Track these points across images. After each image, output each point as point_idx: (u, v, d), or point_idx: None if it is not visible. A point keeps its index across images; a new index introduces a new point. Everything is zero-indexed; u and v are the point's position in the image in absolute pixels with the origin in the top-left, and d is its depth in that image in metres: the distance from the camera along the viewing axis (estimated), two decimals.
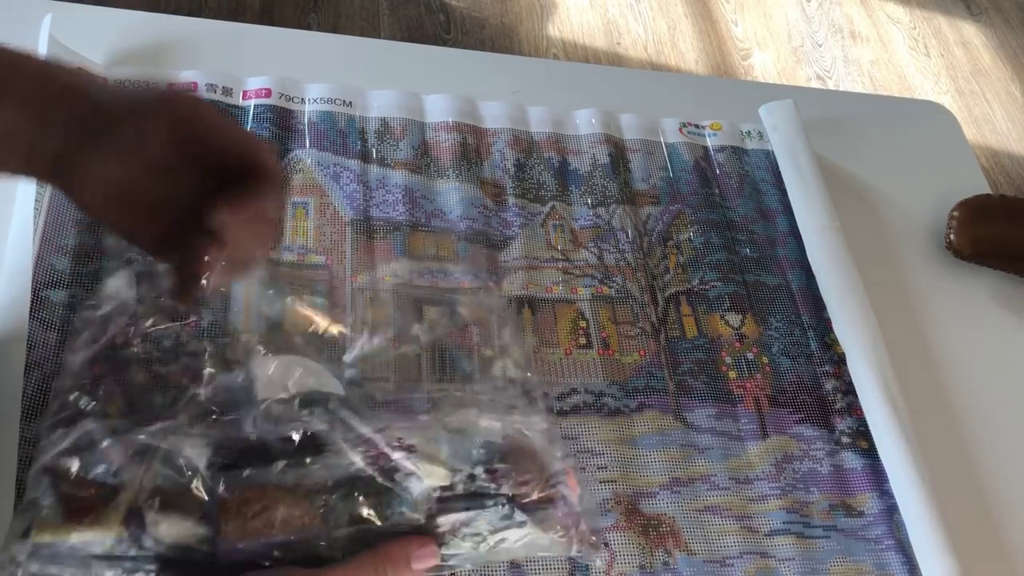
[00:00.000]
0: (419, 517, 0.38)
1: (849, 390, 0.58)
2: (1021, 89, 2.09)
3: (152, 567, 0.37)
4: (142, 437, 0.38)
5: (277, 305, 0.52)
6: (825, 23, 2.11)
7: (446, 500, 0.38)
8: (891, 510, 0.54)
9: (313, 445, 0.38)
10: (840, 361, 0.59)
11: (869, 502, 0.54)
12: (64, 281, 0.50)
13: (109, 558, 0.36)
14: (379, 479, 0.37)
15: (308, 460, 0.38)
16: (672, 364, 0.57)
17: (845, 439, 0.56)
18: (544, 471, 0.40)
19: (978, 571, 0.52)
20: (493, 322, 0.54)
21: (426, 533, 0.38)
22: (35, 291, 0.48)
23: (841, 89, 1.94)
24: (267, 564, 0.37)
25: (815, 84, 1.95)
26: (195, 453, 0.38)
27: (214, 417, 0.40)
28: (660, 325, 0.59)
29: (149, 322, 0.47)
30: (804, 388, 0.58)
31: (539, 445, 0.41)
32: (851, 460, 0.55)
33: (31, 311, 0.48)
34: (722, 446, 0.54)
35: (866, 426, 0.56)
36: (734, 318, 0.60)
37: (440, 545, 0.39)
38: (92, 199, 0.39)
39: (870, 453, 0.56)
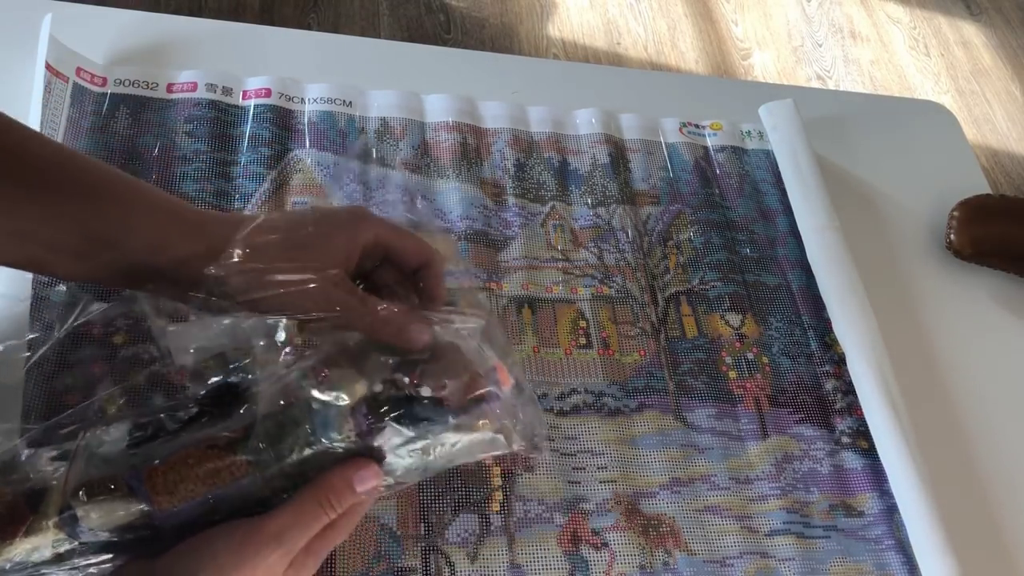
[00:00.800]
0: (349, 436, 0.37)
1: (849, 390, 0.58)
2: (1021, 89, 2.09)
3: (103, 556, 0.36)
4: (61, 440, 0.37)
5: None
6: (825, 23, 2.11)
7: (373, 414, 0.37)
8: (891, 510, 0.54)
9: (224, 398, 0.38)
10: (840, 361, 0.59)
11: (869, 502, 0.54)
12: (64, 281, 0.50)
13: (58, 560, 0.36)
14: (292, 412, 0.37)
15: (218, 414, 0.37)
16: (672, 364, 0.57)
17: (845, 439, 0.56)
18: (470, 368, 0.39)
19: (978, 571, 0.52)
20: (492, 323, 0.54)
21: (362, 455, 0.38)
22: (35, 291, 0.48)
23: (841, 89, 1.94)
24: (214, 520, 0.36)
25: (815, 84, 1.95)
26: (115, 438, 0.37)
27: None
28: (660, 325, 0.59)
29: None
30: (804, 388, 0.58)
31: (467, 346, 0.41)
32: (851, 460, 0.55)
33: (31, 311, 0.48)
34: (722, 446, 0.54)
35: (866, 426, 0.56)
36: (734, 318, 0.60)
37: (380, 462, 0.38)
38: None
39: (870, 453, 0.56)
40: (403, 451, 0.38)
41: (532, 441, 0.42)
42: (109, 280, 0.41)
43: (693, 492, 0.52)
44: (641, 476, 0.52)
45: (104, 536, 0.36)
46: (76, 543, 0.36)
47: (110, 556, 0.36)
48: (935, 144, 0.77)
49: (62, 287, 0.49)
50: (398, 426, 0.37)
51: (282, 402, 0.37)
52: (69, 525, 0.35)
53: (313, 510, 0.37)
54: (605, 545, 0.49)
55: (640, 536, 0.50)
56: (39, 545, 0.35)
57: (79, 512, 0.35)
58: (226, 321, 0.42)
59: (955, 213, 0.68)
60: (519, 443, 0.41)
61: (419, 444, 0.39)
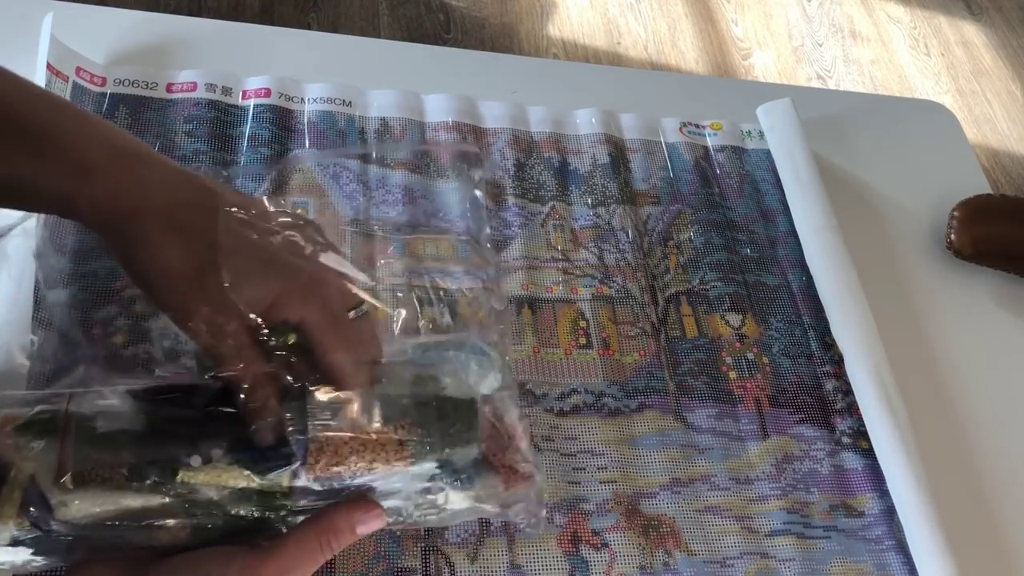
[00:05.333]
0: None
1: (850, 390, 0.58)
2: (1022, 89, 2.09)
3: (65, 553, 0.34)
4: (37, 403, 0.33)
5: None
6: (825, 23, 2.10)
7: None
8: (891, 510, 0.53)
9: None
10: (841, 361, 0.59)
11: (869, 502, 0.54)
12: (64, 281, 0.50)
13: (15, 544, 0.33)
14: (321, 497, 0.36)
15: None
16: (672, 364, 0.57)
17: (846, 439, 0.56)
18: (505, 437, 0.40)
19: (977, 572, 0.52)
20: (493, 322, 0.54)
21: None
22: (36, 291, 0.48)
23: (842, 89, 1.94)
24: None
25: (815, 84, 1.95)
26: (115, 409, 0.33)
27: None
28: (660, 325, 0.59)
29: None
30: (804, 388, 0.58)
31: (499, 408, 0.40)
32: (851, 460, 0.55)
33: (32, 311, 0.47)
34: (722, 446, 0.54)
35: (866, 426, 0.56)
36: (734, 318, 0.60)
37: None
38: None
39: (870, 453, 0.55)
40: (419, 497, 0.38)
41: (531, 516, 0.42)
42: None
43: (693, 492, 0.52)
44: (641, 476, 0.52)
45: (77, 531, 0.33)
46: (37, 533, 0.33)
47: (72, 551, 0.34)
48: (935, 144, 0.77)
49: (61, 293, 0.49)
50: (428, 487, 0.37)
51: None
52: (38, 513, 0.32)
53: (312, 552, 0.36)
54: (605, 545, 0.49)
55: (640, 536, 0.50)
56: None
57: (54, 499, 0.32)
58: None
59: (956, 213, 0.68)
60: (523, 518, 0.41)
61: (436, 496, 0.38)
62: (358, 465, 0.36)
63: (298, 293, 0.37)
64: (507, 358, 0.44)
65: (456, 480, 0.38)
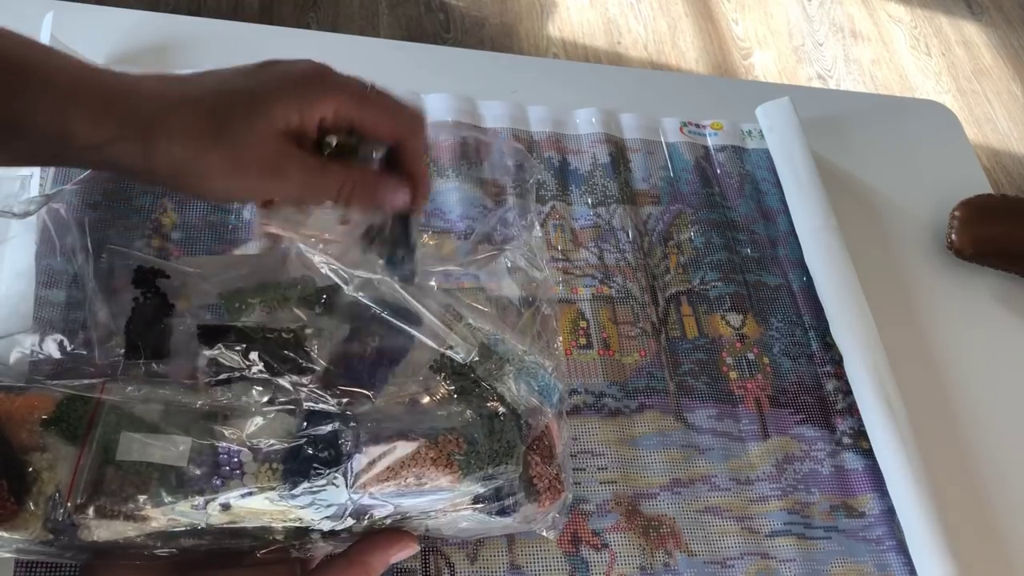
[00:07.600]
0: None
1: (850, 390, 0.58)
2: (1022, 88, 2.09)
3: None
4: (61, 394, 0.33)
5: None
6: (826, 22, 2.10)
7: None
8: (892, 511, 0.53)
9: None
10: (841, 361, 0.59)
11: (870, 503, 0.54)
12: (64, 281, 0.50)
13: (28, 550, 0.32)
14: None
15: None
16: (673, 364, 0.57)
17: (846, 440, 0.56)
18: (555, 463, 0.40)
19: (977, 572, 0.52)
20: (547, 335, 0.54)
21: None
22: (36, 292, 0.48)
23: (842, 88, 1.94)
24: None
25: (816, 83, 1.95)
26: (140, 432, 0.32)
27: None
28: (661, 325, 0.58)
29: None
30: (805, 388, 0.58)
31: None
32: (852, 461, 0.55)
33: (34, 310, 0.47)
34: (723, 447, 0.54)
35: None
36: (735, 318, 0.60)
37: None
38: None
39: (871, 454, 0.55)
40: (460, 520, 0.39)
41: (553, 526, 0.43)
42: (32, 164, 0.37)
43: (693, 493, 0.52)
44: (641, 477, 0.52)
45: (96, 547, 0.33)
46: (58, 545, 0.32)
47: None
48: (936, 144, 0.77)
49: (61, 293, 0.49)
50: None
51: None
52: (62, 527, 0.31)
53: None
54: (605, 546, 0.49)
55: (640, 537, 0.50)
56: (13, 540, 0.31)
57: (78, 519, 0.31)
58: (238, 252, 0.40)
59: (956, 213, 0.68)
60: (541, 526, 0.42)
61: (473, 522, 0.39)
62: (408, 480, 0.35)
63: (314, 94, 0.36)
64: (562, 369, 0.44)
65: (500, 509, 0.38)
